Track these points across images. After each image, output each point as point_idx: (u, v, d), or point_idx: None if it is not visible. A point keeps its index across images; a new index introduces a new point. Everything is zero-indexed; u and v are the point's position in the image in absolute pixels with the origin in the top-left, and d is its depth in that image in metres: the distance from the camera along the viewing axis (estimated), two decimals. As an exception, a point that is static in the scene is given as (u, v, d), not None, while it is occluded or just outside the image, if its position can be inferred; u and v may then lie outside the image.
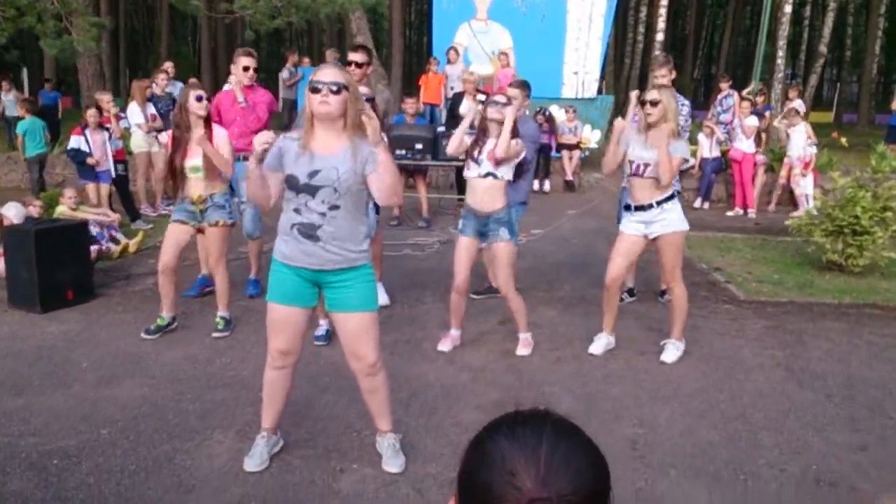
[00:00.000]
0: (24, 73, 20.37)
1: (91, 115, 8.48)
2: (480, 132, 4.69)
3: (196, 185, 4.98)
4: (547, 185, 11.68)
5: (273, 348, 3.28)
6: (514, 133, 4.59)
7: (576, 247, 8.14)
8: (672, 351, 4.79)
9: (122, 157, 8.99)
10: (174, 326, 5.21)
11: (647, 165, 4.59)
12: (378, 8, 11.06)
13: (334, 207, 3.06)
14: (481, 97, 10.02)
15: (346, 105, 3.03)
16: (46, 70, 20.74)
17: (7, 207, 6.45)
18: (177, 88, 10.04)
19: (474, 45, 13.51)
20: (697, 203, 10.97)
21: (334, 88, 2.99)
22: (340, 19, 17.40)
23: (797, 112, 10.73)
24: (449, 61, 12.92)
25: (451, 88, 12.12)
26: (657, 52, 6.22)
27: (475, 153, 4.65)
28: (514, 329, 4.98)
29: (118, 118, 8.77)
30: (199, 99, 4.87)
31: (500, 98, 4.74)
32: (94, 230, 7.40)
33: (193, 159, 4.92)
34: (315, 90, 3.00)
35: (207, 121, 4.99)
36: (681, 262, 4.78)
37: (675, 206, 4.66)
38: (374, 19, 34.95)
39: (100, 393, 4.22)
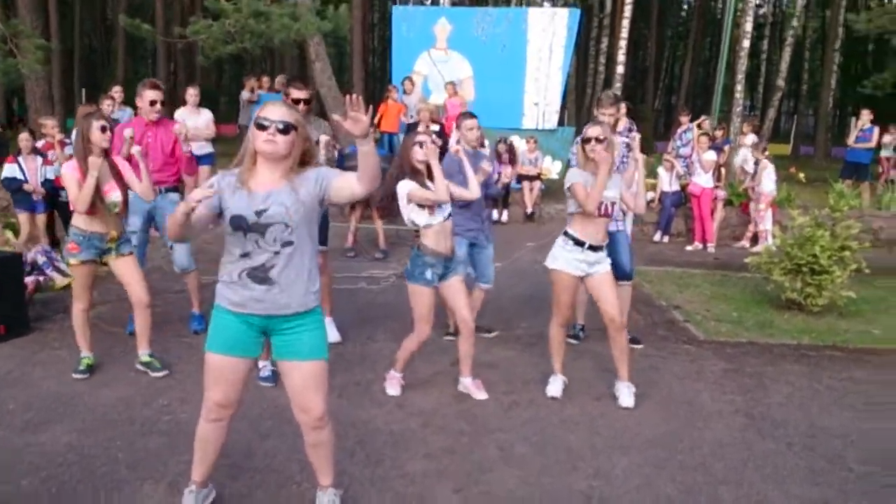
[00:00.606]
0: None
1: (24, 138, 8.20)
2: (413, 173, 4.46)
3: (110, 221, 4.75)
4: (505, 216, 11.58)
5: (210, 400, 3.05)
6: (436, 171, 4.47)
7: (534, 281, 7.98)
8: (628, 394, 4.65)
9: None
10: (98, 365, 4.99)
11: (613, 203, 4.52)
12: (338, 32, 10.90)
13: (287, 244, 2.87)
14: (435, 127, 9.94)
15: (293, 145, 2.86)
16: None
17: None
18: (126, 114, 9.76)
19: (434, 73, 13.44)
20: (657, 237, 10.95)
21: (281, 127, 2.81)
22: (300, 44, 17.24)
23: (763, 149, 10.80)
24: (405, 91, 12.84)
25: (411, 117, 12.01)
26: (606, 91, 6.13)
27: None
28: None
29: (62, 144, 8.45)
30: (102, 129, 4.61)
31: (424, 137, 4.53)
32: (39, 259, 7.10)
33: (112, 194, 4.68)
34: (261, 127, 2.82)
35: (107, 152, 4.72)
36: None
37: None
38: (337, 43, 34.91)
39: (25, 439, 3.95)
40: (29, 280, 6.53)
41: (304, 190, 2.87)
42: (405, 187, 4.46)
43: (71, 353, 5.19)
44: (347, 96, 2.71)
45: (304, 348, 2.99)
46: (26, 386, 4.69)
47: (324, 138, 5.24)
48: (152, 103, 5.47)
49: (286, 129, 2.82)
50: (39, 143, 8.48)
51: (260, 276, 2.87)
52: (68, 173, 4.67)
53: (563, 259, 4.57)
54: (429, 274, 4.49)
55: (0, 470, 3.60)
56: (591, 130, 4.47)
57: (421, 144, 4.48)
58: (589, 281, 4.60)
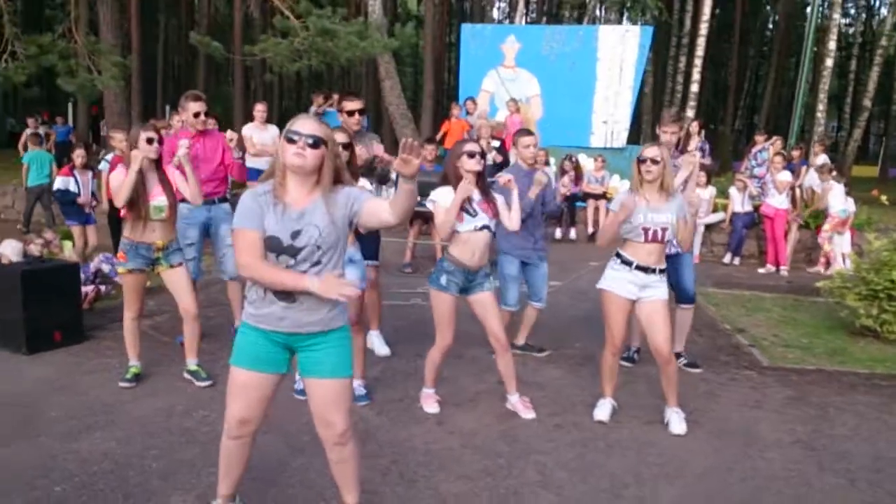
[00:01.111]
0: (70, 107, 20.81)
1: (78, 154, 8.47)
2: (456, 182, 4.36)
3: (157, 229, 4.78)
4: (573, 234, 11.37)
5: (230, 416, 2.99)
6: (486, 185, 4.45)
7: (593, 301, 7.67)
8: (679, 420, 4.41)
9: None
10: (147, 374, 5.04)
11: (664, 229, 4.28)
12: (402, 51, 10.98)
13: (316, 264, 2.81)
14: (496, 143, 9.86)
15: (323, 160, 2.80)
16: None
17: (4, 245, 6.32)
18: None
19: (501, 91, 13.34)
20: (727, 259, 10.56)
21: (310, 142, 2.75)
22: (372, 63, 17.45)
23: (830, 170, 10.33)
24: (468, 112, 12.77)
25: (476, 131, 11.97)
26: (667, 108, 5.96)
27: (465, 204, 4.37)
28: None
29: (133, 157, 8.68)
30: (149, 141, 4.67)
31: (475, 147, 4.42)
32: (105, 267, 7.28)
33: (157, 199, 4.73)
34: (291, 140, 2.76)
35: (158, 163, 4.80)
36: None
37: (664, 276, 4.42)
38: (415, 63, 35.26)
39: (65, 446, 3.99)
40: (89, 288, 6.69)
41: (336, 211, 2.81)
42: (439, 193, 4.40)
43: (122, 361, 5.25)
44: (404, 140, 2.65)
45: (328, 366, 2.92)
46: (73, 393, 4.75)
47: (379, 149, 5.22)
48: (196, 115, 5.55)
49: (316, 144, 2.76)
50: (109, 156, 8.72)
51: (284, 294, 2.81)
52: (115, 174, 4.79)
53: (612, 278, 4.39)
54: (443, 280, 4.39)
55: (36, 476, 3.63)
56: (648, 151, 4.29)
57: (472, 154, 4.37)
58: (639, 306, 4.40)
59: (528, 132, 5.61)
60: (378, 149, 5.35)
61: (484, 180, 4.47)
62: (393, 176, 5.26)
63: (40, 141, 10.69)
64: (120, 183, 4.68)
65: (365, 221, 2.86)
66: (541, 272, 5.63)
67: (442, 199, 4.37)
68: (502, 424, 4.45)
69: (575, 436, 4.33)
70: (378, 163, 5.25)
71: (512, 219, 4.58)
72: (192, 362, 5.00)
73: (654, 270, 4.32)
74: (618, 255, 4.39)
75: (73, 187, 8.37)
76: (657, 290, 4.35)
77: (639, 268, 4.31)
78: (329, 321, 2.89)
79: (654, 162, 4.22)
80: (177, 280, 4.91)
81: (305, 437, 4.12)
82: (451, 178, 4.41)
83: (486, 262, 4.50)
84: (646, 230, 4.24)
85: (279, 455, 3.91)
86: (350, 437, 3.02)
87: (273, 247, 2.78)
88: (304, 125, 2.78)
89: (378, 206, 2.82)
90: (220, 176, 5.76)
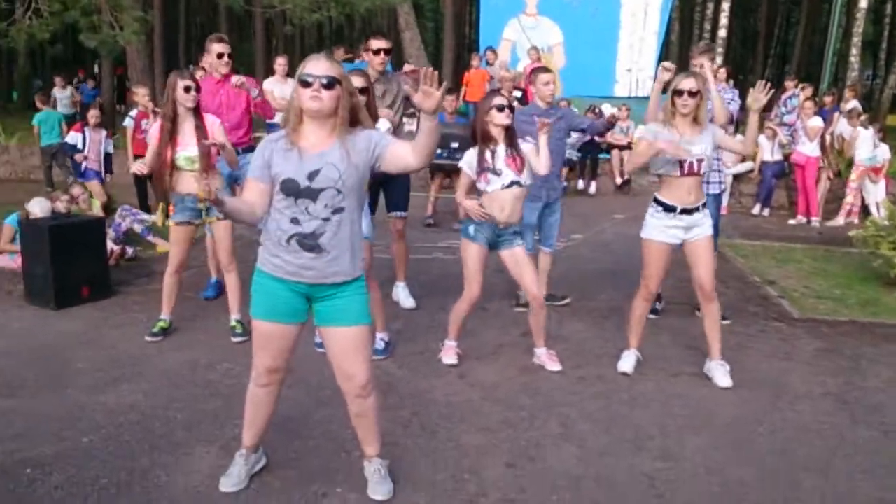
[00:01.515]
0: (96, 67, 20.82)
1: (93, 115, 8.56)
2: (483, 138, 4.30)
3: (195, 180, 4.73)
4: (593, 187, 11.21)
5: (259, 365, 2.99)
6: (513, 136, 4.33)
7: (617, 254, 7.67)
8: (724, 373, 4.34)
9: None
10: (173, 328, 5.04)
11: (700, 160, 4.14)
12: (423, 4, 10.80)
13: (338, 210, 2.75)
14: (517, 93, 9.68)
15: (339, 101, 2.73)
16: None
17: (33, 203, 6.36)
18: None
19: (523, 40, 13.10)
20: (756, 210, 10.37)
21: (325, 82, 2.68)
22: (393, 15, 17.23)
23: (858, 115, 10.05)
24: (488, 62, 12.54)
25: (495, 84, 11.78)
26: (701, 41, 5.73)
27: (490, 164, 4.29)
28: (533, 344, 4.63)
29: (155, 113, 8.65)
30: (186, 89, 4.63)
31: (504, 100, 4.32)
32: (137, 227, 7.32)
33: (188, 149, 4.68)
34: (305, 84, 2.69)
35: (197, 110, 4.76)
36: None
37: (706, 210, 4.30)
38: (436, 18, 34.82)
39: (92, 398, 4.02)
40: (118, 246, 6.72)
41: (356, 154, 2.75)
42: (466, 159, 4.39)
43: (149, 316, 5.29)
44: (423, 69, 2.57)
45: (349, 314, 2.89)
46: (100, 347, 4.79)
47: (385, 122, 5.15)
48: (220, 56, 5.50)
49: (330, 84, 2.69)
50: (133, 112, 8.72)
51: (310, 243, 2.76)
52: (151, 133, 4.82)
53: (654, 227, 4.27)
54: (471, 229, 4.35)
55: (64, 427, 3.67)
56: (685, 82, 4.11)
57: (500, 108, 4.28)
58: (686, 246, 4.29)
59: (546, 69, 5.49)
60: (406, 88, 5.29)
61: (512, 134, 4.38)
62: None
63: (47, 100, 10.76)
64: (152, 146, 4.70)
65: (388, 165, 2.81)
66: (554, 216, 5.53)
67: (467, 165, 4.36)
68: (524, 377, 4.42)
69: (598, 388, 4.29)
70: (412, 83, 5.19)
71: (541, 162, 4.48)
72: (232, 317, 5.00)
73: (697, 209, 4.20)
74: (657, 202, 4.26)
75: (80, 144, 8.44)
76: (703, 227, 4.25)
77: (684, 211, 4.19)
78: (353, 271, 2.86)
79: (692, 94, 4.08)
80: (218, 233, 4.94)
81: (327, 391, 4.12)
82: (479, 134, 4.34)
83: (517, 220, 4.42)
84: (682, 162, 4.12)
85: (302, 408, 3.92)
86: (372, 390, 3.00)
87: (290, 189, 2.73)
88: (317, 66, 2.71)
89: (402, 149, 2.77)
90: (245, 124, 5.70)
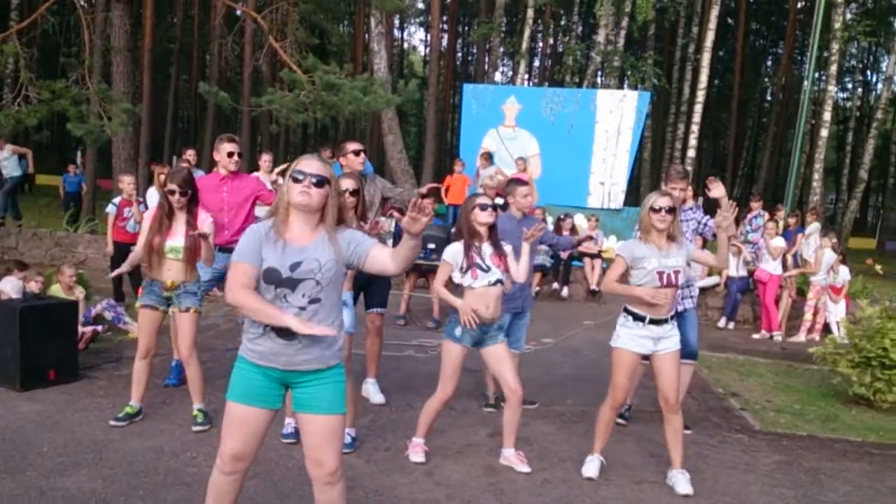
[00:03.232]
0: (78, 154, 21.04)
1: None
2: (469, 236, 4.47)
3: (172, 268, 4.83)
4: (565, 292, 11.41)
5: (224, 451, 3.00)
6: (497, 239, 4.51)
7: (586, 359, 7.79)
8: (685, 481, 4.39)
9: (137, 239, 8.97)
10: (141, 416, 5.00)
11: (677, 272, 4.30)
12: (405, 107, 11.23)
13: (314, 301, 2.87)
14: (500, 200, 9.94)
15: (327, 199, 2.90)
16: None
17: (4, 282, 6.37)
18: (198, 174, 10.12)
19: (501, 150, 13.55)
20: (722, 323, 10.59)
21: (315, 181, 2.85)
22: (377, 118, 17.77)
23: (824, 237, 10.47)
24: (480, 166, 12.87)
25: (480, 187, 12.05)
26: (675, 164, 5.98)
27: (477, 260, 4.43)
28: (501, 444, 4.66)
29: (137, 202, 8.80)
30: (171, 192, 4.77)
31: (487, 201, 4.51)
32: (107, 314, 7.32)
33: (175, 240, 4.79)
34: (296, 180, 2.86)
35: (191, 207, 4.87)
36: None
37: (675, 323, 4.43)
38: (419, 123, 35.86)
39: (51, 482, 3.96)
40: (87, 329, 6.71)
41: (338, 250, 2.89)
42: (449, 252, 4.47)
43: (114, 401, 5.27)
44: (414, 198, 2.74)
45: (323, 402, 2.94)
46: (64, 430, 4.74)
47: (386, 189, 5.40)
48: (230, 154, 5.65)
49: (320, 183, 2.86)
50: (116, 200, 8.83)
51: (285, 331, 2.85)
52: (145, 219, 4.98)
53: (625, 336, 4.35)
54: (457, 331, 4.41)
55: (21, 510, 3.61)
56: (662, 200, 4.29)
57: (483, 207, 4.45)
58: (653, 358, 4.39)
59: (524, 182, 5.71)
60: (384, 188, 5.52)
61: (495, 234, 4.54)
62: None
63: None
64: (144, 235, 4.85)
65: (367, 266, 2.94)
66: (523, 321, 5.64)
67: (451, 258, 4.46)
68: (490, 477, 4.43)
69: (562, 491, 4.31)
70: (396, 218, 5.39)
71: (520, 270, 4.63)
72: (194, 406, 4.99)
73: (665, 321, 4.32)
74: (628, 312, 4.36)
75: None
76: (672, 339, 4.36)
77: (652, 321, 4.30)
78: (325, 359, 2.93)
79: (669, 211, 4.27)
80: (180, 324, 4.94)
81: (290, 483, 4.12)
82: (464, 231, 4.49)
83: (500, 315, 4.53)
84: (660, 273, 4.25)
85: (264, 500, 3.90)
86: (340, 478, 3.01)
87: (271, 278, 2.84)
88: (309, 165, 2.89)
89: (381, 254, 2.91)
90: (239, 225, 5.77)
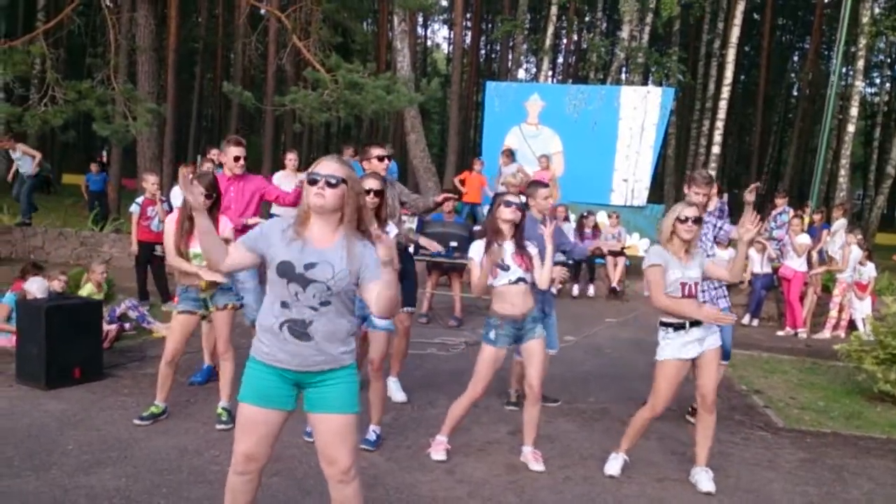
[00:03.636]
0: (104, 153, 21.32)
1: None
2: (493, 234, 4.48)
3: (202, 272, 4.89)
4: (591, 290, 11.38)
5: (238, 451, 3.00)
6: (522, 238, 4.48)
7: (609, 357, 7.76)
8: (708, 479, 4.36)
9: (161, 238, 9.06)
10: (166, 415, 5.06)
11: (696, 283, 4.27)
12: (428, 105, 11.26)
13: (326, 303, 2.88)
14: (523, 198, 9.92)
15: (343, 200, 2.90)
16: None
17: (30, 282, 6.47)
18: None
19: (524, 148, 13.52)
20: (746, 320, 10.49)
21: (332, 182, 2.86)
22: (398, 116, 17.82)
23: (849, 233, 10.34)
24: (503, 163, 12.86)
25: (501, 185, 12.04)
26: (700, 170, 5.88)
27: (498, 259, 4.43)
28: (522, 441, 4.65)
29: (161, 201, 8.89)
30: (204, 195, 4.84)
31: (514, 198, 4.52)
32: (131, 314, 7.41)
33: (197, 245, 4.84)
34: (312, 182, 2.88)
35: (216, 206, 4.92)
36: None
37: None
38: (442, 121, 35.89)
39: (76, 480, 4.02)
40: (112, 327, 6.80)
41: (353, 259, 2.89)
42: (473, 249, 4.49)
43: (138, 400, 5.33)
44: (376, 235, 2.79)
45: (335, 401, 2.95)
46: (89, 428, 4.81)
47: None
48: (236, 159, 5.73)
49: (335, 184, 2.86)
50: (140, 199, 8.92)
51: (299, 330, 2.87)
52: (167, 225, 5.01)
53: (671, 347, 4.28)
54: (492, 334, 4.43)
55: (47, 507, 3.67)
56: (689, 211, 4.23)
57: (509, 204, 4.46)
58: (704, 356, 4.34)
59: (544, 184, 5.70)
60: (402, 193, 5.51)
61: (520, 233, 4.53)
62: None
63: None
64: (170, 238, 4.93)
65: (361, 293, 2.97)
66: (550, 321, 5.63)
67: (475, 254, 4.46)
68: (511, 475, 4.43)
69: (584, 489, 4.30)
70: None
71: (542, 277, 4.59)
72: (220, 403, 5.04)
73: (700, 322, 4.27)
74: (666, 325, 4.29)
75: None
76: (714, 336, 4.32)
77: (693, 324, 4.25)
78: (339, 360, 2.95)
79: (696, 221, 4.22)
80: (217, 322, 5.02)
81: (311, 481, 4.14)
82: (490, 229, 4.52)
83: (532, 308, 4.49)
84: (683, 285, 4.21)
85: (287, 497, 3.93)
86: (354, 476, 3.01)
87: (285, 271, 2.86)
88: (325, 166, 2.89)
89: (372, 289, 2.90)
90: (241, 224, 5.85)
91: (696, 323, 4.24)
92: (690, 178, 5.50)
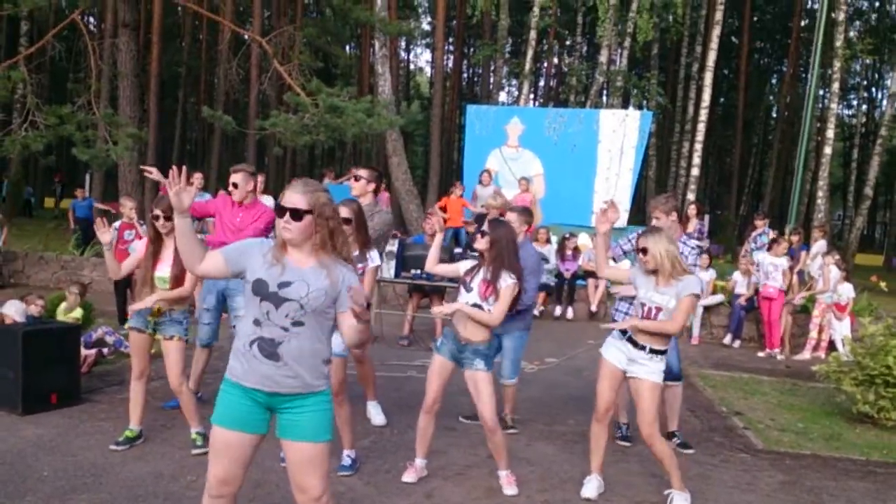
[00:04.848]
0: (87, 179, 21.20)
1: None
2: (479, 254, 4.51)
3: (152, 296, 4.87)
4: (570, 313, 11.40)
5: (211, 474, 2.98)
6: (502, 266, 4.42)
7: (589, 380, 7.71)
8: (684, 500, 4.38)
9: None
10: (142, 440, 5.01)
11: (658, 310, 4.30)
12: (408, 128, 11.32)
13: (298, 324, 2.88)
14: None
15: (310, 229, 2.91)
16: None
17: (7, 305, 6.42)
18: (204, 198, 10.19)
19: (505, 170, 13.62)
20: (727, 340, 10.55)
21: (294, 215, 2.87)
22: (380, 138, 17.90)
23: (827, 254, 10.45)
24: (481, 182, 12.94)
25: (481, 207, 12.10)
26: (661, 196, 5.81)
27: (468, 278, 4.46)
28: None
29: (141, 224, 8.87)
30: (156, 218, 4.85)
31: (487, 227, 4.53)
32: (109, 339, 7.35)
33: (162, 269, 4.84)
34: (280, 213, 2.90)
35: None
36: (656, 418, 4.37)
37: (662, 361, 4.39)
38: (425, 143, 36.01)
39: (50, 506, 3.98)
40: (90, 352, 6.74)
41: (330, 282, 2.90)
42: (462, 262, 4.62)
43: (115, 425, 5.28)
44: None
45: (307, 429, 2.94)
46: (65, 454, 4.76)
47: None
48: (234, 185, 5.73)
49: (298, 216, 2.87)
50: (117, 224, 8.89)
51: (268, 349, 2.86)
52: (139, 245, 5.06)
53: (608, 344, 4.49)
54: (439, 342, 4.55)
55: (19, 534, 3.62)
56: (641, 240, 4.33)
57: (483, 234, 4.47)
58: (629, 382, 4.44)
59: (525, 210, 5.75)
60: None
61: (498, 264, 4.42)
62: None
63: None
64: (138, 255, 4.94)
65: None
66: (513, 346, 5.65)
67: (461, 265, 4.61)
68: (490, 499, 4.42)
69: (563, 512, 4.29)
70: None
71: (494, 311, 4.39)
72: (192, 430, 5.00)
73: (642, 347, 4.33)
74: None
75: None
76: (643, 368, 4.33)
77: (630, 340, 4.35)
78: (311, 385, 2.93)
79: (644, 252, 4.28)
80: (166, 353, 4.93)
81: (291, 506, 4.11)
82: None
83: (480, 342, 4.38)
84: (642, 305, 4.31)
85: (263, 522, 3.90)
86: (326, 503, 3.01)
87: (258, 290, 2.87)
88: (289, 198, 2.89)
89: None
90: None
91: (631, 341, 4.35)
92: (653, 204, 5.58)
